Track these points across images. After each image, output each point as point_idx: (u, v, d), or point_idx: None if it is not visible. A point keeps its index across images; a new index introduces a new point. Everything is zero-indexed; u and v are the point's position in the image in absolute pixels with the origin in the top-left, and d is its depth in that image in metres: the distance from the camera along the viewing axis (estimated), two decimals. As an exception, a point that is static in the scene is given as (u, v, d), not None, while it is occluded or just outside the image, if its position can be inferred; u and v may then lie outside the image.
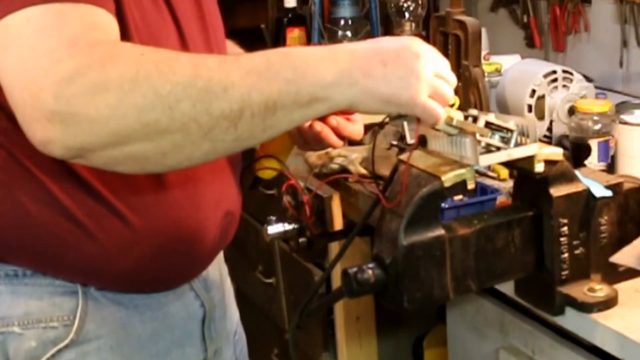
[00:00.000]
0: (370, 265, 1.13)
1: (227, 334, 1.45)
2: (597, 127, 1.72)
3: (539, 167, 1.18)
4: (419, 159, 1.17)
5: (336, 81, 1.06)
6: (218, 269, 1.43)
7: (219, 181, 1.30)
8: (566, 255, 1.23)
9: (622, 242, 1.32)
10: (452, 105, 1.14)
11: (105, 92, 0.96)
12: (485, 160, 1.15)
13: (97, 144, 0.98)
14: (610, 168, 1.70)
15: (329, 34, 2.91)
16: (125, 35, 1.11)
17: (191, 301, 1.34)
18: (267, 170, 1.27)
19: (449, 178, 1.12)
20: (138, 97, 0.97)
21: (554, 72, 1.91)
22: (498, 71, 2.24)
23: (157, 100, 0.98)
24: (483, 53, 2.10)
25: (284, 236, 1.32)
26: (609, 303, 1.25)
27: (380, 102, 1.09)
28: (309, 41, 2.90)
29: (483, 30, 1.96)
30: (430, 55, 1.12)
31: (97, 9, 1.03)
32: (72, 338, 1.21)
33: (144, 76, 0.98)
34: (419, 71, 1.09)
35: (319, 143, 1.34)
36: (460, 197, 1.47)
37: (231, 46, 1.48)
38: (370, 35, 2.91)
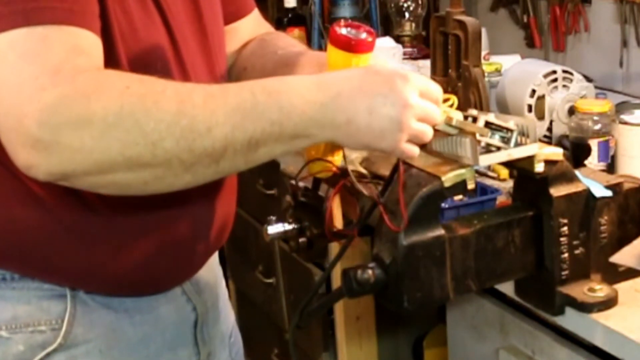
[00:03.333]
0: (370, 265, 1.13)
1: (222, 336, 1.45)
2: (597, 127, 1.72)
3: (539, 167, 1.18)
4: (419, 159, 1.16)
5: (320, 123, 1.06)
6: (212, 272, 1.42)
7: (210, 185, 1.29)
8: (566, 255, 1.23)
9: (622, 242, 1.32)
10: (451, 105, 1.14)
11: (89, 125, 0.97)
12: (485, 160, 1.15)
13: (80, 171, 1.00)
14: (610, 168, 1.70)
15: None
16: (110, 44, 1.11)
17: (183, 304, 1.33)
18: (322, 172, 1.27)
19: (449, 178, 1.13)
20: (122, 132, 0.98)
21: (554, 72, 1.91)
22: (498, 71, 2.24)
23: (140, 137, 0.99)
24: (483, 53, 2.10)
25: (284, 236, 1.32)
26: (609, 303, 1.25)
27: (360, 145, 1.10)
28: (309, 41, 2.90)
29: (483, 30, 1.96)
30: (418, 99, 1.08)
31: (80, 30, 1.03)
32: (60, 342, 1.21)
33: (128, 111, 0.98)
34: (402, 122, 1.07)
35: None
36: (460, 197, 1.47)
37: (284, 37, 1.46)
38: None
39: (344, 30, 1.20)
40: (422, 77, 1.12)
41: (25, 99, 0.97)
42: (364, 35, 1.20)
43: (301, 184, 1.33)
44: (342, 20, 1.25)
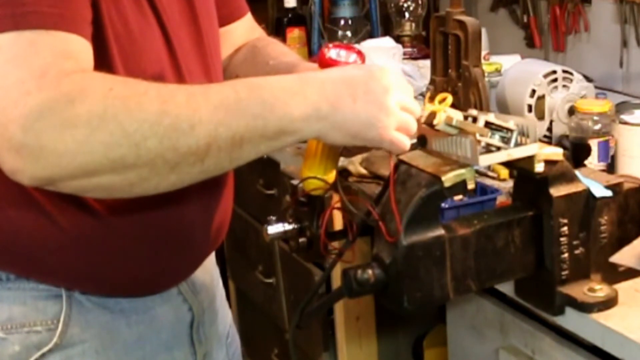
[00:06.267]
0: (370, 265, 1.13)
1: (219, 337, 1.45)
2: (597, 127, 1.72)
3: (539, 167, 1.18)
4: (419, 159, 1.17)
5: (305, 116, 1.07)
6: (208, 272, 1.42)
7: (206, 185, 1.29)
8: (566, 255, 1.23)
9: (622, 242, 1.32)
10: (443, 101, 1.14)
11: (73, 128, 0.98)
12: (485, 160, 1.15)
13: (65, 175, 1.00)
14: (610, 168, 1.70)
15: (329, 34, 2.91)
16: (103, 45, 1.11)
17: (179, 305, 1.33)
18: (316, 189, 1.27)
19: (449, 178, 1.12)
20: (105, 134, 0.99)
21: (554, 72, 1.91)
22: (498, 71, 2.24)
23: (124, 138, 0.99)
24: (483, 53, 2.10)
25: (284, 236, 1.32)
26: (609, 303, 1.25)
27: (348, 136, 1.10)
28: (309, 41, 2.91)
29: (483, 30, 1.96)
30: (397, 88, 1.11)
31: (69, 35, 1.03)
32: (55, 342, 1.21)
33: (111, 113, 0.99)
34: (387, 107, 1.09)
35: (362, 147, 1.33)
36: (460, 197, 1.46)
37: (276, 45, 1.47)
38: (370, 35, 2.91)
39: (333, 53, 1.20)
40: (396, 73, 1.14)
41: (10, 103, 0.97)
42: (352, 58, 1.20)
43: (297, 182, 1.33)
44: (331, 43, 1.26)
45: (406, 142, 1.12)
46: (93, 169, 1.00)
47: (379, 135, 1.10)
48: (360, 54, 1.21)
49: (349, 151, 1.29)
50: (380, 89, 1.10)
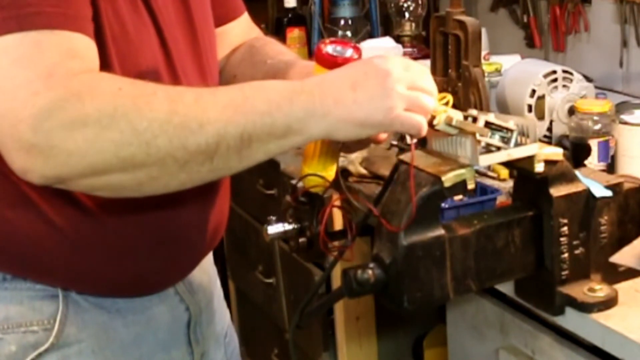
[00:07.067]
0: (370, 265, 1.13)
1: (217, 336, 1.45)
2: (597, 127, 1.72)
3: (539, 167, 1.18)
4: (419, 159, 1.17)
5: (309, 113, 1.07)
6: (206, 272, 1.42)
7: (202, 186, 1.28)
8: (566, 255, 1.23)
9: (622, 242, 1.32)
10: (446, 103, 1.14)
11: (83, 127, 0.98)
12: (485, 160, 1.15)
13: (75, 174, 1.01)
14: (610, 168, 1.70)
15: (329, 34, 2.91)
16: (101, 46, 1.11)
17: (176, 305, 1.33)
18: (316, 187, 1.27)
19: (449, 178, 1.13)
20: (115, 133, 0.99)
21: (554, 72, 1.91)
22: (498, 71, 2.23)
23: (134, 137, 1.00)
24: (483, 53, 2.10)
25: (284, 236, 1.32)
26: (609, 303, 1.25)
27: (357, 126, 1.09)
28: (309, 41, 2.91)
29: (483, 30, 1.96)
30: (401, 70, 1.10)
31: (74, 34, 1.03)
32: (52, 342, 1.21)
33: (121, 112, 0.99)
34: (389, 88, 1.08)
35: (360, 144, 1.33)
36: (460, 197, 1.47)
37: (273, 44, 1.47)
38: (370, 35, 2.91)
39: (329, 49, 1.20)
40: (403, 58, 1.14)
41: (19, 104, 0.98)
42: (349, 53, 1.20)
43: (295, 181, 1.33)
44: (328, 39, 1.26)
45: (420, 119, 1.09)
46: (103, 168, 1.00)
47: (387, 118, 1.08)
48: (356, 48, 1.21)
49: (348, 148, 1.29)
50: (381, 73, 1.08)
